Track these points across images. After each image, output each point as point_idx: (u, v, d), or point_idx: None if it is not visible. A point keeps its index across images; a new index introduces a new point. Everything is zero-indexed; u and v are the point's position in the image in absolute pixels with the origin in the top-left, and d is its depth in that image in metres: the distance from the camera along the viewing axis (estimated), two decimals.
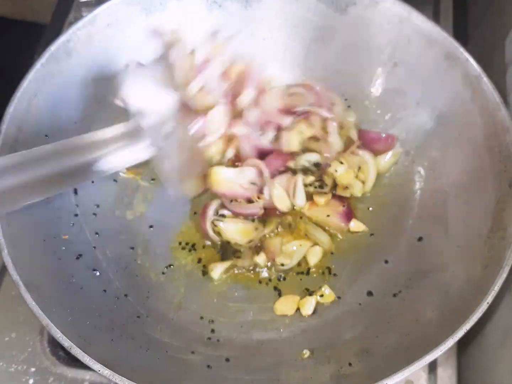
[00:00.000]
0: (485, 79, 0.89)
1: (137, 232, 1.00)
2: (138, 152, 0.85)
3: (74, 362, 0.92)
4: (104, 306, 0.87)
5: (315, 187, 1.00)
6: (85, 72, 0.95)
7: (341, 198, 1.01)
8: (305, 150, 1.00)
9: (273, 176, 0.97)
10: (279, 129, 0.98)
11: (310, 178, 0.99)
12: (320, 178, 1.00)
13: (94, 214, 0.97)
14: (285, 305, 0.94)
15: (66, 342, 0.73)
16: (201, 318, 0.93)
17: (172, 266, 0.98)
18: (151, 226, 1.01)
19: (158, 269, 0.97)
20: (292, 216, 1.00)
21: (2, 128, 0.83)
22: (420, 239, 0.95)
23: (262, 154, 1.00)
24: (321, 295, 0.94)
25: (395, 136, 1.02)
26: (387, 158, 1.03)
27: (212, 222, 0.97)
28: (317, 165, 1.00)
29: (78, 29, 0.92)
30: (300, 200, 0.98)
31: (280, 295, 0.95)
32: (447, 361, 0.91)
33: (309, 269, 0.97)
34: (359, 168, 1.01)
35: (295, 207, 1.00)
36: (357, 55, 1.03)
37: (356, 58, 1.04)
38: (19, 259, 0.78)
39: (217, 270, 0.96)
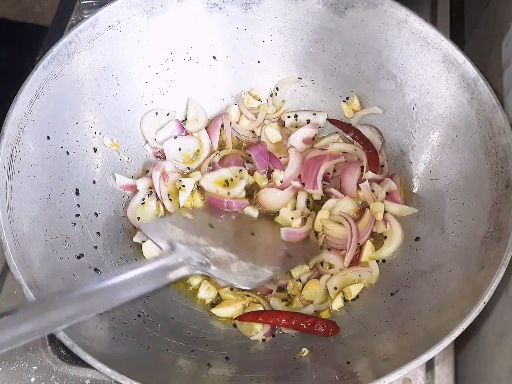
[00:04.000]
0: (482, 81, 0.90)
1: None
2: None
3: (75, 360, 0.93)
4: None
5: None
6: (87, 74, 0.96)
7: None
8: None
9: None
10: None
11: None
12: None
13: (96, 214, 0.98)
14: None
15: (67, 341, 0.73)
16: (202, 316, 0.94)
17: None
18: None
19: None
20: None
21: (4, 129, 0.84)
22: (417, 239, 0.96)
23: None
24: None
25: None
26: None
27: None
28: None
29: (79, 31, 0.93)
30: None
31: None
32: (444, 359, 0.92)
33: None
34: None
35: None
36: (356, 57, 1.04)
37: (355, 60, 1.05)
38: (21, 258, 0.79)
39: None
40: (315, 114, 1.11)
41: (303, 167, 1.06)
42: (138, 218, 1.01)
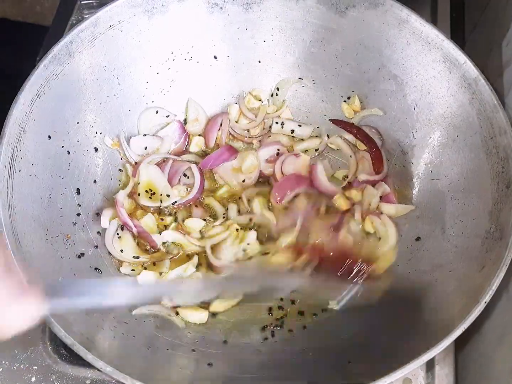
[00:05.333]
0: (482, 81, 0.90)
1: None
2: None
3: (76, 360, 0.93)
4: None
5: None
6: (88, 73, 0.96)
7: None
8: None
9: None
10: None
11: None
12: None
13: (97, 213, 0.98)
14: None
15: (68, 340, 0.73)
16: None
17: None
18: None
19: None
20: None
21: (6, 129, 0.84)
22: (418, 239, 0.96)
23: None
24: None
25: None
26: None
27: None
28: None
29: (80, 31, 0.93)
30: None
31: None
32: (445, 359, 0.92)
33: None
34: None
35: None
36: (356, 57, 1.04)
37: (355, 60, 1.05)
38: (22, 257, 0.79)
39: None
40: (300, 126, 1.11)
41: (283, 179, 1.06)
42: (122, 250, 0.96)
